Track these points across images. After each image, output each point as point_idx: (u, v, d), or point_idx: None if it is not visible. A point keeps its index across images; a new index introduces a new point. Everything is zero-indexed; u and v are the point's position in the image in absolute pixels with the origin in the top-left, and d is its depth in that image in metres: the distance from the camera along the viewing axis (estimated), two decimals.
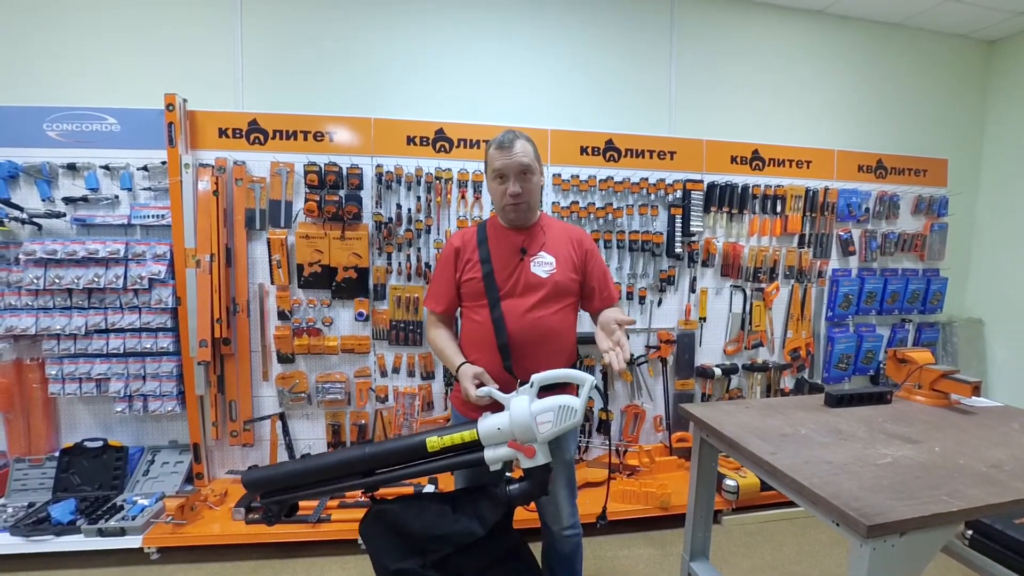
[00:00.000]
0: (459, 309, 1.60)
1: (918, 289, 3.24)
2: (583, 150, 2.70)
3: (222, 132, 2.43)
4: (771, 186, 2.90)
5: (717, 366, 2.89)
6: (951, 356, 3.42)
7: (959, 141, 3.44)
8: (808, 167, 3.01)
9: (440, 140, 2.55)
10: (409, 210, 2.52)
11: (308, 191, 2.43)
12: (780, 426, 1.46)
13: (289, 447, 2.53)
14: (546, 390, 1.31)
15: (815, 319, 3.11)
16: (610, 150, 2.72)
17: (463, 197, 2.55)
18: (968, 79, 3.43)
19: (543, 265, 1.50)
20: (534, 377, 1.29)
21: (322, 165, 2.43)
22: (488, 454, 1.25)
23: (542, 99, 2.76)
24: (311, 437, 2.59)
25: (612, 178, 2.68)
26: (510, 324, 1.45)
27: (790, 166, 2.98)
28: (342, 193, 2.45)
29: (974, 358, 3.46)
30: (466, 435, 1.26)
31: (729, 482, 2.50)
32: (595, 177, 2.68)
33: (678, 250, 2.76)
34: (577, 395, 1.29)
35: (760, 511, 2.57)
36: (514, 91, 2.75)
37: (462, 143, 2.56)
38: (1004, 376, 3.40)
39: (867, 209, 3.11)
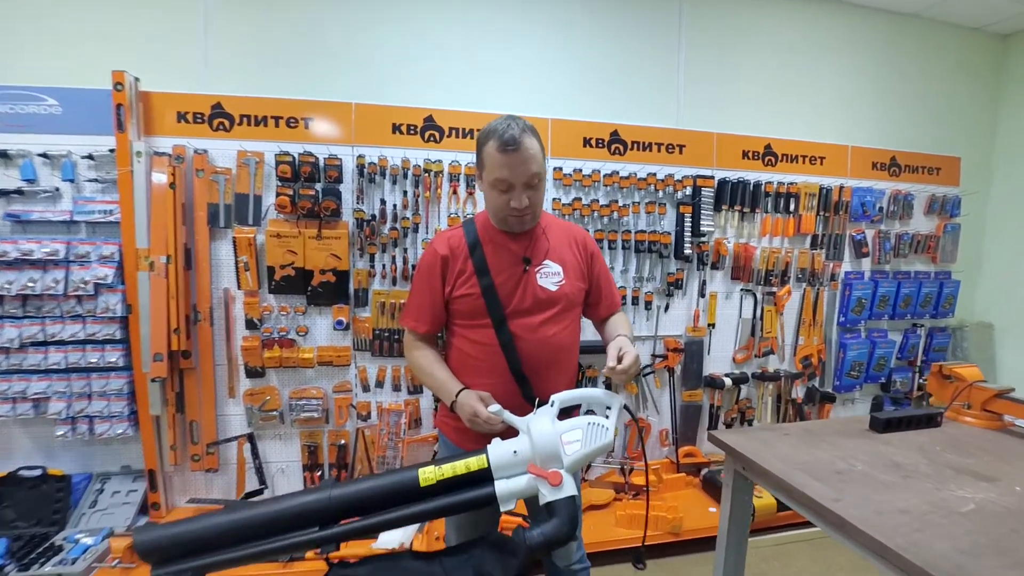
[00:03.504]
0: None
1: (931, 292, 3.10)
2: (586, 142, 2.47)
3: (181, 116, 2.14)
4: (784, 183, 2.72)
5: (726, 375, 2.70)
6: (962, 362, 3.28)
7: (971, 139, 3.30)
8: (821, 163, 2.84)
9: (429, 129, 2.30)
10: (395, 206, 2.26)
11: (280, 184, 2.16)
12: (830, 459, 1.25)
13: (259, 471, 2.26)
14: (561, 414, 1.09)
15: (827, 324, 2.95)
16: (615, 142, 2.50)
17: (455, 192, 2.30)
18: (981, 74, 3.29)
19: (550, 276, 1.28)
20: (555, 397, 1.08)
21: (296, 155, 2.16)
22: (501, 487, 0.98)
23: (542, 86, 2.53)
24: (284, 459, 2.32)
25: (618, 173, 2.46)
26: (523, 347, 1.24)
27: (803, 162, 2.80)
28: (319, 187, 2.19)
29: (984, 364, 3.33)
30: (472, 463, 1.00)
31: None
32: (599, 171, 2.45)
33: (687, 251, 2.56)
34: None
35: (776, 532, 2.38)
36: (511, 76, 2.51)
37: (454, 132, 2.31)
38: (1015, 383, 3.27)
39: (881, 209, 2.95)
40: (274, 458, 2.31)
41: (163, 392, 2.11)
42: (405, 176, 2.26)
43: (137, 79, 2.06)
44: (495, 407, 1.11)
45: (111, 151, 2.05)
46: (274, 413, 2.25)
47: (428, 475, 0.99)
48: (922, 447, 1.36)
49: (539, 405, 1.09)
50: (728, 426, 2.75)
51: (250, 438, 2.25)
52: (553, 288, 1.27)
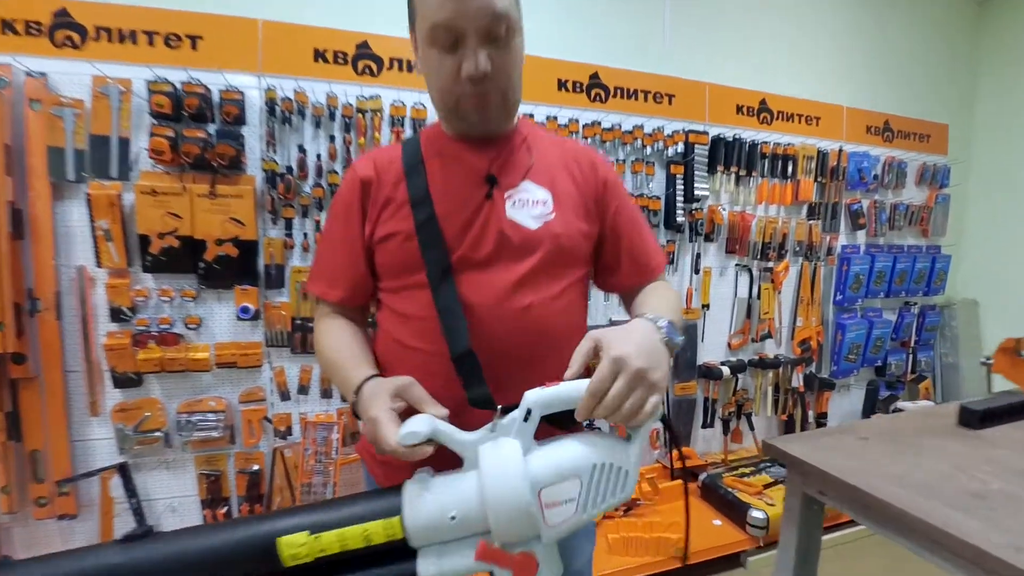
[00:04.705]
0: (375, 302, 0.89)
1: (924, 268, 2.88)
2: (561, 84, 2.03)
3: (7, 26, 1.53)
4: (781, 144, 2.39)
5: (723, 364, 2.35)
6: (950, 342, 3.12)
7: (953, 106, 3.12)
8: (817, 124, 2.54)
9: (364, 58, 1.78)
10: (318, 156, 1.74)
11: (156, 123, 1.59)
12: (949, 473, 0.87)
13: (138, 512, 1.67)
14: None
15: (824, 304, 2.66)
16: (596, 87, 2.08)
17: (398, 139, 1.80)
18: (960, 41, 3.12)
19: (530, 206, 0.79)
20: (530, 397, 0.60)
21: (178, 84, 1.59)
22: (427, 571, 0.57)
23: None
24: (175, 494, 1.74)
25: (599, 123, 2.04)
26: (477, 317, 0.74)
27: (799, 122, 2.50)
28: (212, 128, 1.63)
29: (971, 343, 3.18)
30: (374, 530, 0.57)
31: (756, 514, 1.94)
32: (577, 121, 2.02)
33: (680, 219, 2.18)
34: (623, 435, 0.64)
35: None
36: None
37: (396, 64, 1.81)
38: None
39: (876, 176, 2.70)
40: (160, 493, 1.73)
41: None
42: (332, 117, 1.74)
43: None
44: (419, 423, 0.60)
45: None
46: (157, 434, 1.67)
47: (296, 549, 0.55)
48: None
49: (503, 412, 0.62)
50: (726, 422, 2.40)
51: (122, 469, 1.66)
52: (533, 224, 0.78)
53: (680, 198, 2.17)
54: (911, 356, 2.93)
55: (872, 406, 2.83)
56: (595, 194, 0.86)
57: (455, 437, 0.61)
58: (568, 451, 0.60)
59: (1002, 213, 3.10)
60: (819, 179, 2.50)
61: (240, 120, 1.65)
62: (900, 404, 2.72)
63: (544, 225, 0.79)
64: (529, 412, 0.60)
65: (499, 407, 0.63)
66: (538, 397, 0.60)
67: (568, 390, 0.60)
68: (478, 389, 0.70)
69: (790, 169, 2.41)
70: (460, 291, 0.74)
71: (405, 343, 0.79)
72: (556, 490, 0.58)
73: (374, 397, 0.67)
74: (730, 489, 2.10)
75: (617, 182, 0.90)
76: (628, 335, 0.62)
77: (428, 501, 0.58)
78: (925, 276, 2.90)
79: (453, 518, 0.57)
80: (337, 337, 0.82)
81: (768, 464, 2.29)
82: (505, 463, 0.58)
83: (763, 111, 2.40)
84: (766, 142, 2.35)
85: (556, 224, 0.80)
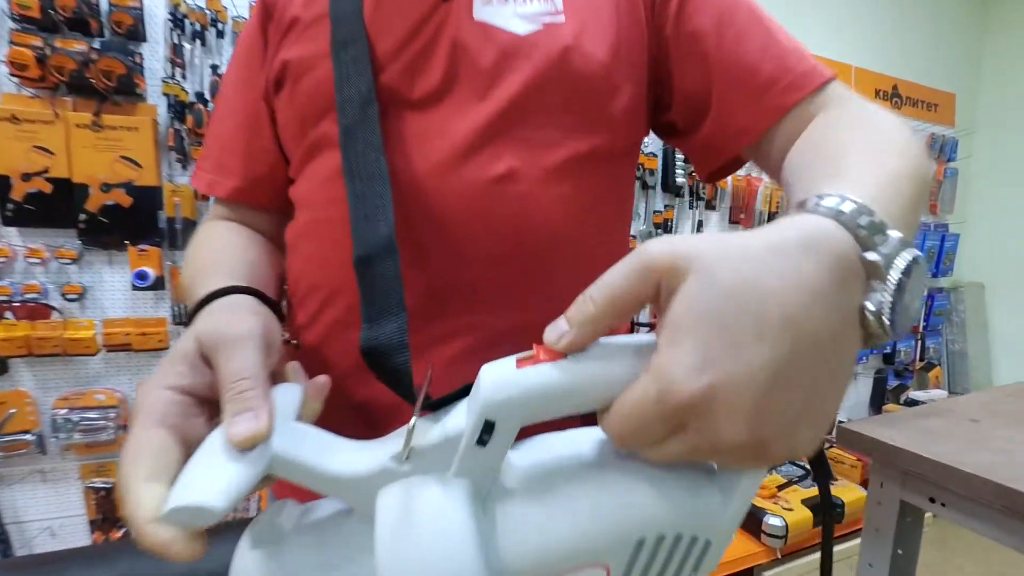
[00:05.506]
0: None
1: (933, 247, 2.68)
2: None
3: None
4: None
5: None
6: (958, 327, 2.92)
7: (960, 73, 2.92)
8: None
9: None
10: None
11: (16, 29, 1.22)
12: None
13: (2, 538, 1.30)
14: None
15: None
16: None
17: None
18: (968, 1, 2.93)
19: (517, 3, 0.44)
20: (490, 389, 0.23)
21: None
22: None
23: None
24: (52, 514, 1.36)
25: None
26: (407, 197, 0.40)
27: None
28: (96, 42, 1.27)
29: (978, 330, 2.99)
30: None
31: (773, 520, 1.66)
32: None
33: (679, 180, 1.90)
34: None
35: (811, 554, 1.77)
36: None
37: None
38: (1011, 350, 2.95)
39: None
40: (34, 513, 1.35)
41: None
42: None
43: None
44: (207, 490, 0.24)
45: None
46: (27, 436, 1.30)
47: None
48: None
49: (428, 410, 0.28)
50: None
51: None
52: (521, 27, 0.42)
53: (680, 156, 1.89)
54: (920, 342, 2.72)
55: (881, 396, 2.60)
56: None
57: (322, 470, 0.26)
58: (587, 503, 0.25)
59: (1008, 191, 2.92)
60: None
61: (136, 33, 1.29)
62: (912, 394, 2.50)
63: (544, 28, 0.43)
64: (490, 427, 0.24)
65: (419, 401, 0.27)
66: (508, 392, 0.23)
67: (572, 379, 0.23)
68: (377, 327, 0.31)
69: None
70: (392, 141, 0.41)
71: (300, 249, 0.47)
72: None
73: (164, 365, 0.31)
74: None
75: None
76: (751, 296, 0.21)
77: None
78: (934, 256, 2.70)
79: None
80: (208, 246, 0.49)
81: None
82: (426, 544, 0.23)
83: None
84: None
85: (567, 31, 0.43)
